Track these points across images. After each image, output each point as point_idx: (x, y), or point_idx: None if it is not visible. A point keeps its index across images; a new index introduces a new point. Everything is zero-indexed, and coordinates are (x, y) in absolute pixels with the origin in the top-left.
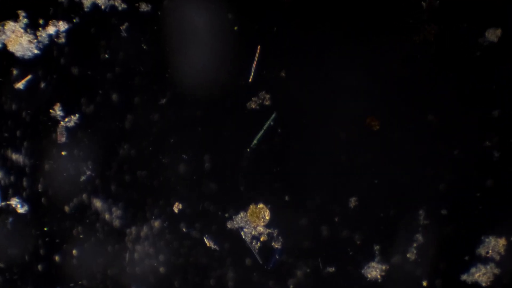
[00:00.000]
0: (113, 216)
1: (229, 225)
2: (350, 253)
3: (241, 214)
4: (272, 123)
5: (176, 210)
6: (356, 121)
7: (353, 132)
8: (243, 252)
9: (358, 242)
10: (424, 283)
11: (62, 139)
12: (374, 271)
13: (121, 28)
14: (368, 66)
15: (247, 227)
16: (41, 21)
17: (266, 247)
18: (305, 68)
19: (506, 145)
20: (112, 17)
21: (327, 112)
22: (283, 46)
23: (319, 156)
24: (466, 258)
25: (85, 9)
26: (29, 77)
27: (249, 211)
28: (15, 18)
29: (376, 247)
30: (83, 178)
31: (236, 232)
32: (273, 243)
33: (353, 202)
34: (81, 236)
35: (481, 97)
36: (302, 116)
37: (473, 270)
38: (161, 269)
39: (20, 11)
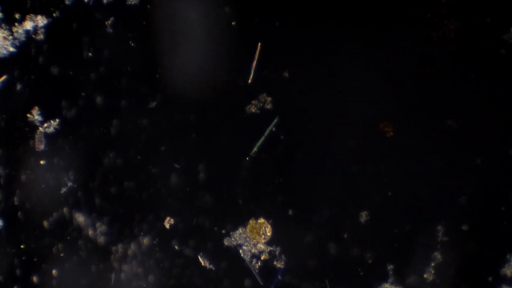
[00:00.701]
0: (97, 232)
1: (226, 242)
2: (361, 274)
3: (240, 230)
4: (274, 129)
5: (167, 226)
6: (368, 127)
7: (364, 138)
8: (241, 273)
9: (369, 261)
10: None
11: (41, 146)
12: None
13: (106, 23)
14: (381, 65)
15: (246, 244)
16: (17, 16)
17: (267, 267)
18: (310, 68)
19: None
20: (97, 11)
21: (335, 117)
22: (286, 43)
23: (327, 165)
24: (490, 279)
25: (66, 2)
26: (3, 77)
27: (249, 226)
28: None
29: (390, 267)
30: (64, 190)
31: (234, 250)
32: (275, 262)
33: (364, 216)
34: (61, 255)
35: (506, 99)
36: (307, 121)
37: None
38: None
39: None
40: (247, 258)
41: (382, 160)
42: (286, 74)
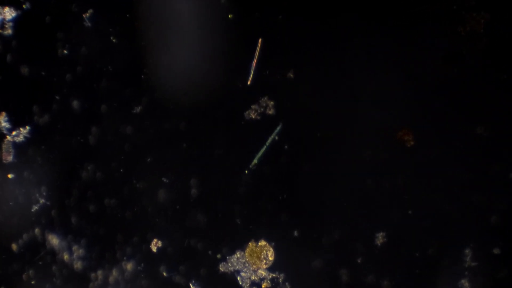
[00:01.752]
0: (74, 256)
1: (222, 268)
2: None
3: (238, 254)
4: (276, 137)
5: (154, 249)
6: (385, 135)
7: (381, 149)
8: None
9: None
10: None
11: (9, 158)
12: None
13: (84, 16)
14: (399, 64)
15: (245, 270)
16: None
17: None
18: (318, 67)
19: None
20: (73, 2)
21: (347, 124)
22: (292, 38)
23: (337, 180)
24: None
25: None
26: None
27: (248, 250)
28: None
29: None
30: (35, 208)
31: (231, 277)
32: None
33: (380, 238)
34: (33, 282)
35: None
36: (315, 128)
37: None
38: None
39: None
40: (246, 286)
41: (401, 174)
42: (291, 75)
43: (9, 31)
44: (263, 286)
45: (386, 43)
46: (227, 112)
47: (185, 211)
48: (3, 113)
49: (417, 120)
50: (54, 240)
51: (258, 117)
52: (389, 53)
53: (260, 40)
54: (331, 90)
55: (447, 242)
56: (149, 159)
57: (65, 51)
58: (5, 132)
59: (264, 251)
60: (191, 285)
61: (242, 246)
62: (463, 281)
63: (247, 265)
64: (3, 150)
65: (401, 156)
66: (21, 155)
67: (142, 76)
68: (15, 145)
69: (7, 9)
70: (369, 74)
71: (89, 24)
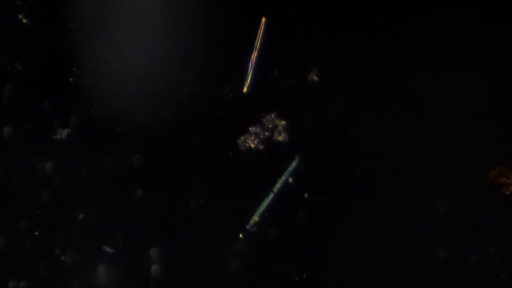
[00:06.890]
0: None
1: None
2: None
3: None
4: (290, 179)
5: None
6: (470, 177)
7: (464, 198)
8: None
9: None
10: None
11: None
12: None
13: None
14: (488, 68)
15: None
16: None
17: None
18: (358, 66)
19: None
20: None
21: (407, 159)
22: (315, 19)
23: (391, 249)
24: None
25: None
26: None
27: None
28: None
29: None
30: None
31: None
32: None
33: None
34: None
35: None
36: (353, 165)
37: None
38: None
39: None
40: None
41: (495, 236)
42: (314, 77)
43: None
44: None
45: (468, 36)
46: (210, 138)
47: None
48: None
49: None
50: None
51: (261, 147)
52: (475, 52)
53: (263, 20)
54: (380, 104)
55: None
56: (81, 216)
57: None
58: None
59: None
60: None
61: None
62: None
63: None
64: None
65: (495, 209)
66: None
67: (70, 79)
68: None
69: None
70: (443, 82)
71: None
